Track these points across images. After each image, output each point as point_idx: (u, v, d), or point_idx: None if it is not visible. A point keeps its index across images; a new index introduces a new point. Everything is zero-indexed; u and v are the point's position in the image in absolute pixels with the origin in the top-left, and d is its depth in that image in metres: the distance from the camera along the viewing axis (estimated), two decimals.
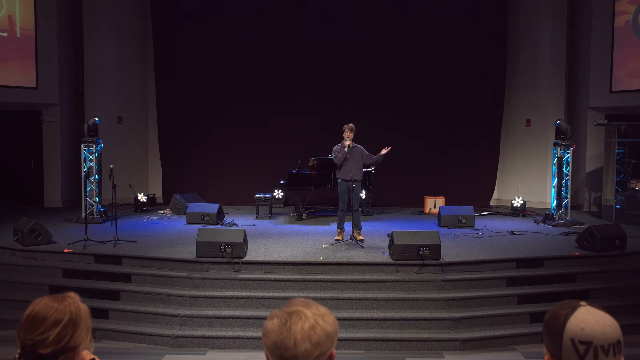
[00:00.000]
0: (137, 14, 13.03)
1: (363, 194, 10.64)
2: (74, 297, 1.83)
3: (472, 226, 9.86)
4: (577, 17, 12.44)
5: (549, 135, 11.94)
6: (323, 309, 1.55)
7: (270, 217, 10.79)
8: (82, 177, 10.23)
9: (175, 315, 6.56)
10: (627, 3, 11.49)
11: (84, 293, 6.53)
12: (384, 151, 8.35)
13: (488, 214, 11.54)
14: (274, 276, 7.02)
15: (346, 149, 8.19)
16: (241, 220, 10.33)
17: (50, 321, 1.74)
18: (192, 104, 12.64)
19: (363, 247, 7.95)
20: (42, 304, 1.78)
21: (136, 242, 8.26)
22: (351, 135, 8.26)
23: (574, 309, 1.48)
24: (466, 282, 7.01)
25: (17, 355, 1.74)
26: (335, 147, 8.43)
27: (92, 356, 1.87)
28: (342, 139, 8.35)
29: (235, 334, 6.40)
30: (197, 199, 11.64)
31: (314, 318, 1.50)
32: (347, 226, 8.55)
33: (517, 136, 12.86)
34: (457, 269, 7.16)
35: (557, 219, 10.21)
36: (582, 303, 1.50)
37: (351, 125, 8.31)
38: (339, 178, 8.38)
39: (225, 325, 6.53)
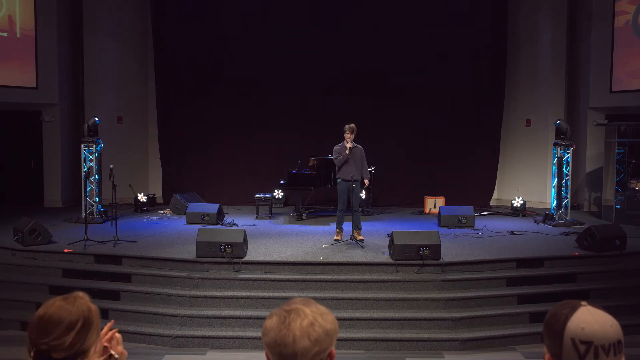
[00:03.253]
0: (137, 14, 13.02)
1: (363, 194, 10.63)
2: (84, 297, 1.83)
3: (472, 226, 9.86)
4: (577, 17, 12.43)
5: (549, 135, 11.94)
6: (322, 308, 1.56)
7: (270, 217, 10.79)
8: (82, 177, 10.23)
9: (175, 315, 6.57)
10: (627, 3, 11.49)
11: None
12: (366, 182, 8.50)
13: (488, 214, 11.53)
14: (274, 276, 7.02)
15: (347, 152, 8.18)
16: (241, 220, 10.32)
17: (64, 325, 1.73)
18: (192, 104, 12.63)
19: (363, 247, 7.95)
20: (56, 306, 1.76)
21: (136, 242, 8.26)
22: (352, 136, 8.24)
23: (574, 308, 1.48)
24: (466, 282, 7.01)
25: (30, 359, 1.75)
26: (336, 147, 8.42)
27: (106, 344, 1.91)
28: (341, 139, 8.34)
29: (235, 334, 6.40)
30: (197, 199, 11.64)
31: (312, 316, 1.51)
32: (346, 226, 8.54)
33: (517, 136, 12.86)
34: (457, 269, 7.16)
35: (557, 219, 10.20)
36: (583, 303, 1.50)
37: (352, 125, 8.29)
38: (339, 178, 8.38)
39: (225, 325, 6.53)
